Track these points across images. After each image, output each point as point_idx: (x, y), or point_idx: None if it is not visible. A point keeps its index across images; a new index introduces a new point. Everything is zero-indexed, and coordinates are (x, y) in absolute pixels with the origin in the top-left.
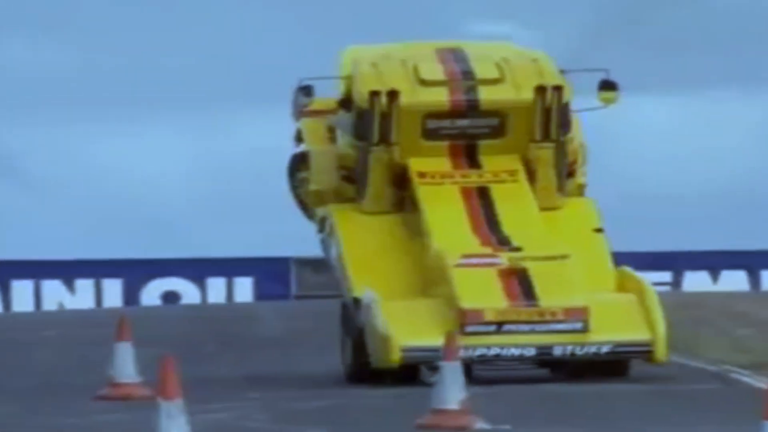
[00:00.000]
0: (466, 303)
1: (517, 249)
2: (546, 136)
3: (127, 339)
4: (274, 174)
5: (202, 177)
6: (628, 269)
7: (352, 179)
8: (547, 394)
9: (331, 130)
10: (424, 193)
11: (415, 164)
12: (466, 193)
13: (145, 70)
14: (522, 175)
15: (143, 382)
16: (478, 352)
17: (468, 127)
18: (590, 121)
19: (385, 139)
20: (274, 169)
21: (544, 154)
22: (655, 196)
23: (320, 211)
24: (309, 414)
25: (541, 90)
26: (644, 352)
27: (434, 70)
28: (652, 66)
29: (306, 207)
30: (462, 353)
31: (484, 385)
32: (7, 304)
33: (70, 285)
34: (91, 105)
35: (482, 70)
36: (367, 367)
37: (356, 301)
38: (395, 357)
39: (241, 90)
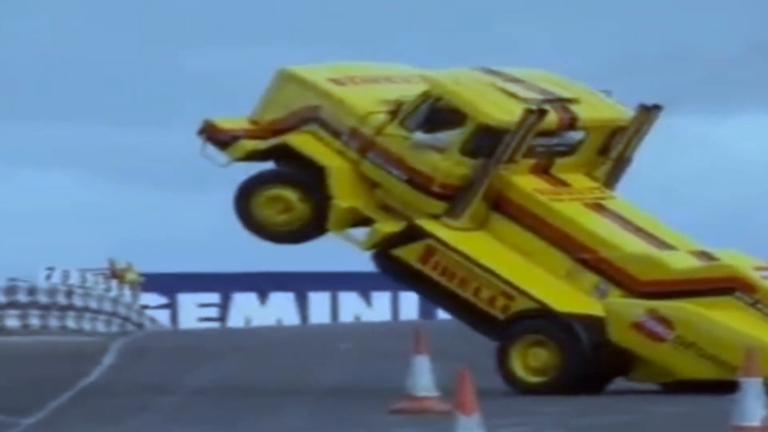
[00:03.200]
0: None
1: None
2: (623, 153)
3: (424, 352)
4: None
5: None
6: None
7: (443, 196)
8: None
9: (367, 146)
10: (561, 207)
11: (523, 182)
12: (593, 209)
13: None
14: (608, 192)
15: (440, 395)
16: None
17: (554, 145)
18: None
19: (511, 157)
20: None
21: (608, 170)
22: None
23: (383, 226)
24: (605, 429)
25: (645, 108)
26: None
27: (518, 89)
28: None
29: (266, 227)
30: None
31: None
32: (305, 316)
33: (366, 297)
34: None
35: (556, 89)
36: (593, 380)
37: (566, 315)
38: None
39: None
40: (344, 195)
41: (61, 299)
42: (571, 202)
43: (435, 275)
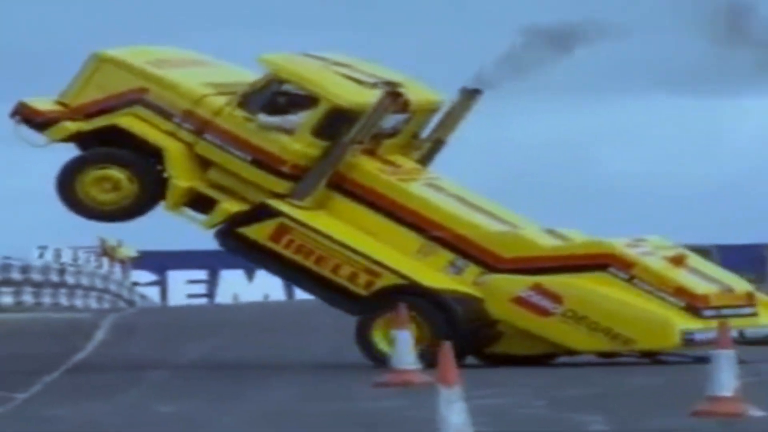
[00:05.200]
0: (699, 289)
1: (642, 240)
2: (439, 135)
3: (405, 327)
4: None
5: None
6: None
7: (292, 176)
8: None
9: (203, 127)
10: (409, 187)
11: (366, 163)
12: (434, 188)
13: None
14: (432, 172)
15: (422, 368)
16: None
17: (383, 128)
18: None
19: (361, 140)
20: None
21: (424, 152)
22: None
23: (229, 205)
24: (584, 400)
25: (466, 92)
26: None
27: (350, 73)
28: None
29: (93, 206)
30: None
31: (754, 373)
32: (291, 293)
33: None
34: None
35: (383, 73)
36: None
37: (437, 290)
38: (675, 340)
39: None
40: (182, 175)
41: (54, 277)
42: (413, 182)
43: (288, 253)
